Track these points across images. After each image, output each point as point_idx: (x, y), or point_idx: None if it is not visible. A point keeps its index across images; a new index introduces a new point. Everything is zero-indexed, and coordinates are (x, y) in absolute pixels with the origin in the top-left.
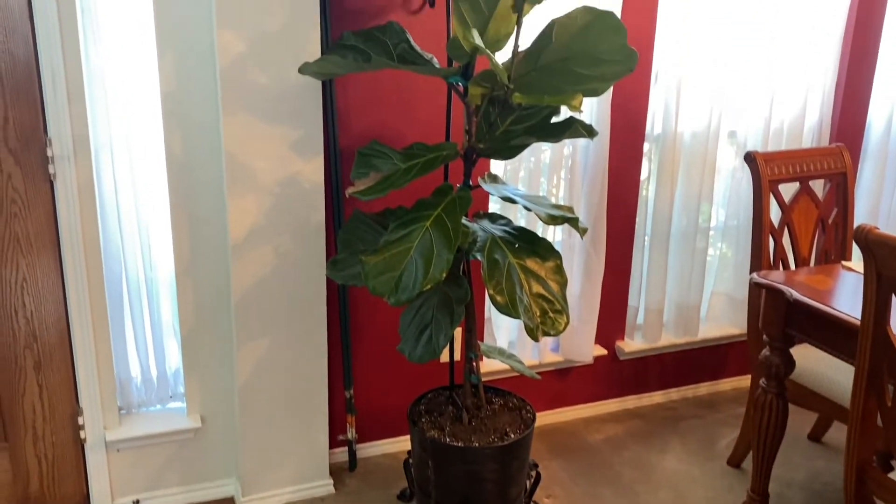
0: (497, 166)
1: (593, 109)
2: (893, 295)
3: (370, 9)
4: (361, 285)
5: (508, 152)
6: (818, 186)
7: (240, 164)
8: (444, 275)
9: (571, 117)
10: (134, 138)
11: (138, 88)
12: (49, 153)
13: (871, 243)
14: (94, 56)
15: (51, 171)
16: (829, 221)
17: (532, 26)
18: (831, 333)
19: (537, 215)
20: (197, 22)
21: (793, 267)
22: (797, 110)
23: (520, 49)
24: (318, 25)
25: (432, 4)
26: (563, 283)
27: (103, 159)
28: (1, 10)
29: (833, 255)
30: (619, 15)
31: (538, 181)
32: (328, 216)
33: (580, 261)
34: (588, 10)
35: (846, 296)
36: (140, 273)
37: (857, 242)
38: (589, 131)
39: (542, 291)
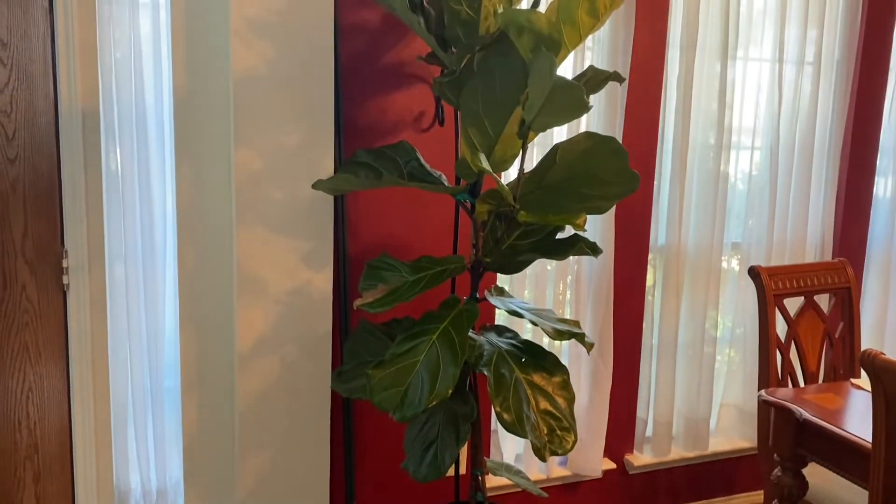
0: (503, 275)
1: (597, 220)
2: None
3: (381, 127)
4: (366, 398)
5: (514, 267)
6: (823, 300)
7: (251, 276)
8: (450, 391)
9: (576, 235)
10: (147, 249)
11: (155, 200)
12: (64, 264)
13: (878, 369)
14: (113, 169)
15: (65, 281)
16: (836, 336)
17: (536, 145)
18: (843, 455)
19: (543, 330)
20: (215, 138)
21: (801, 382)
22: (800, 223)
23: (525, 170)
24: (332, 143)
25: (441, 123)
26: (571, 400)
27: (117, 270)
28: (29, 129)
29: (841, 369)
30: (621, 134)
31: (544, 290)
32: (335, 325)
33: (588, 371)
34: (590, 136)
35: (857, 416)
36: (146, 383)
37: (864, 368)
38: (593, 249)
39: (550, 408)
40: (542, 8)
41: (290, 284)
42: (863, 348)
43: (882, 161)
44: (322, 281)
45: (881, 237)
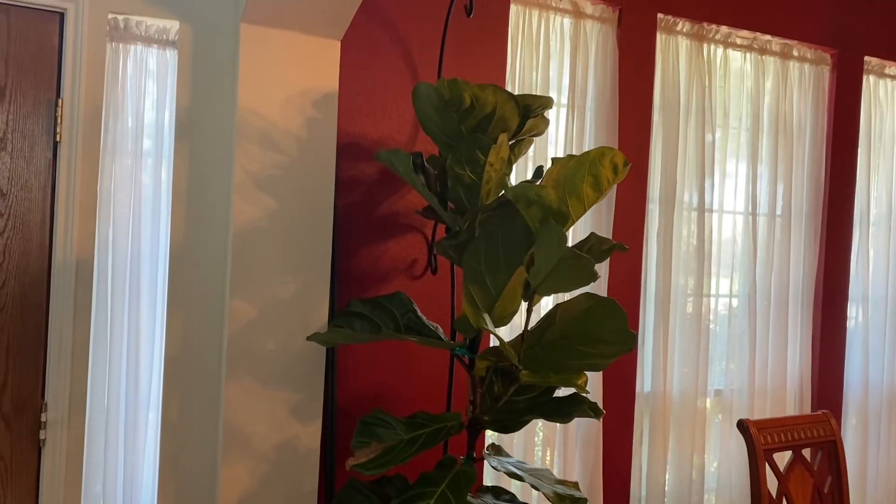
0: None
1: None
2: None
3: (375, 274)
4: None
5: (514, 427)
6: (808, 453)
7: (237, 431)
8: None
9: (579, 395)
10: (131, 400)
11: (143, 350)
12: (43, 418)
13: None
14: (102, 317)
15: (42, 436)
16: (825, 491)
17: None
18: None
19: (544, 494)
20: (209, 288)
21: None
22: (779, 370)
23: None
24: (327, 292)
25: (434, 272)
26: None
27: (97, 421)
28: (20, 279)
29: None
30: (606, 283)
31: (533, 435)
32: (320, 480)
33: None
34: (590, 296)
35: None
36: None
37: None
38: (596, 412)
39: None
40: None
41: (277, 438)
42: (850, 500)
43: (852, 309)
44: (310, 435)
45: (856, 384)
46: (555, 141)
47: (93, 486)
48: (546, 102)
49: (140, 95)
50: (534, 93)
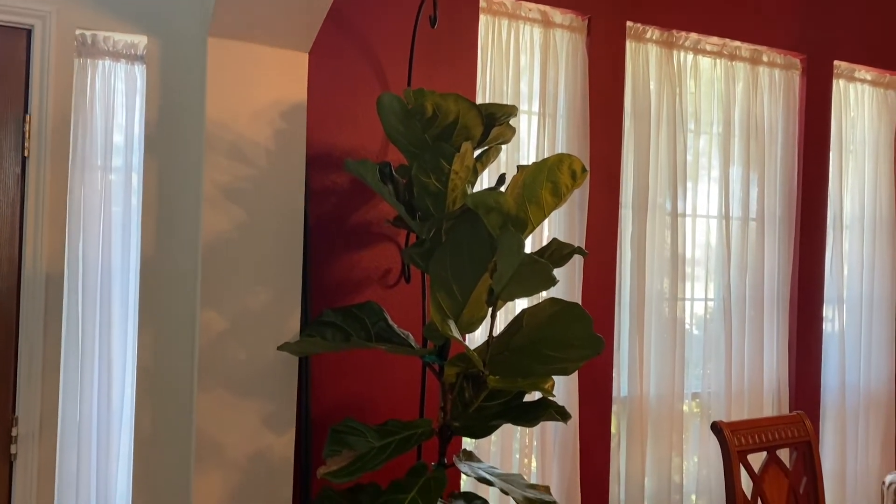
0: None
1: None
2: None
3: (348, 284)
4: None
5: (483, 432)
6: (784, 454)
7: (210, 440)
8: None
9: (545, 399)
10: (103, 413)
11: (115, 362)
12: (14, 432)
13: None
14: (73, 330)
15: (12, 450)
16: (801, 491)
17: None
18: None
19: (515, 499)
20: (180, 299)
21: None
22: (756, 371)
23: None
24: (299, 302)
25: (408, 280)
26: None
27: (69, 434)
28: None
29: None
30: (580, 289)
31: (511, 441)
32: (295, 490)
33: None
34: (555, 301)
35: None
36: None
37: None
38: (562, 415)
39: None
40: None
41: (250, 449)
42: (827, 501)
43: (828, 311)
44: (283, 445)
45: (833, 386)
46: (527, 149)
47: (66, 499)
48: (510, 111)
49: (109, 109)
50: (505, 102)
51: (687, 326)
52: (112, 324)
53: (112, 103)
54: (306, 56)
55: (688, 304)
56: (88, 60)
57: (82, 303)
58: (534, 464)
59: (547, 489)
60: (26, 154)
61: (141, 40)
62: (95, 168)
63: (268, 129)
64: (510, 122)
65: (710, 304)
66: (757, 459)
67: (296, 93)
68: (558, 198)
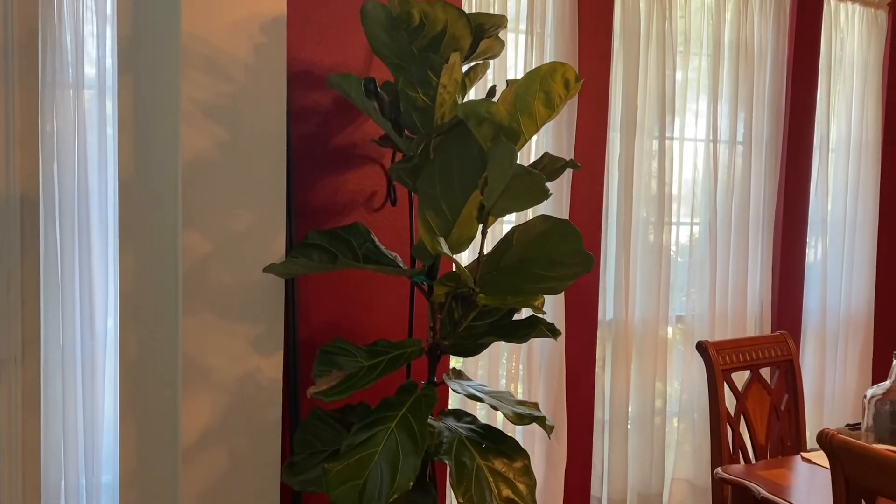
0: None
1: (548, 296)
2: (863, 500)
3: (334, 207)
4: (321, 492)
5: (473, 350)
6: (767, 373)
7: (197, 365)
8: (412, 483)
9: (535, 317)
10: (87, 337)
11: (96, 286)
12: None
13: (836, 448)
14: (52, 254)
15: None
16: (782, 408)
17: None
18: None
19: (504, 415)
20: (161, 222)
21: (751, 455)
22: (739, 295)
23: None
24: (283, 224)
25: (394, 203)
26: (532, 486)
27: (53, 358)
28: None
29: (789, 441)
30: (567, 211)
31: (497, 366)
32: (285, 413)
33: (542, 451)
34: (546, 219)
35: (814, 491)
36: (81, 480)
37: (821, 447)
38: (553, 332)
39: (512, 495)
40: (497, 96)
41: (238, 371)
42: (806, 419)
43: (811, 235)
44: (272, 367)
45: (815, 308)
46: (514, 69)
47: (52, 424)
48: (499, 21)
49: (79, 23)
50: None
51: (673, 250)
52: (92, 248)
53: (82, 16)
54: None
55: (674, 228)
56: None
57: (59, 227)
58: (520, 388)
59: (536, 405)
60: None
61: None
62: (67, 85)
63: (247, 43)
64: (499, 35)
65: (696, 228)
66: (740, 378)
67: (274, 4)
68: (551, 109)
